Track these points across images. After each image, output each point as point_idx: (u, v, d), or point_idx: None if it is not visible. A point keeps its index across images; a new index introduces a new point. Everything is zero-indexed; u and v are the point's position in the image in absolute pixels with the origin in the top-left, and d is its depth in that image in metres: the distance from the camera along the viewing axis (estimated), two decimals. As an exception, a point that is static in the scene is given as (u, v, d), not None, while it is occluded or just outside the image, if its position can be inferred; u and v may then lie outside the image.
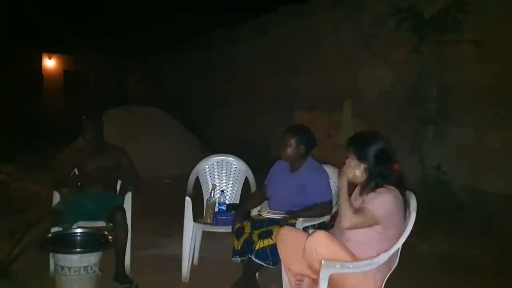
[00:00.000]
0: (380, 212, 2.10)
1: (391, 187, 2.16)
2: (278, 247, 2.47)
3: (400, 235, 2.16)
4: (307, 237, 2.17)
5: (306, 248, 2.11)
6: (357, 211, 2.14)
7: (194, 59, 11.91)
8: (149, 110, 8.11)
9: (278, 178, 3.08)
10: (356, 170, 2.24)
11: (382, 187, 2.16)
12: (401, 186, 2.20)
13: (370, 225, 2.11)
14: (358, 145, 2.25)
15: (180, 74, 12.85)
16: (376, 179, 2.19)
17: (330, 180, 3.01)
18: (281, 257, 2.47)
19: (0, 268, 2.91)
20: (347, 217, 2.11)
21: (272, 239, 2.65)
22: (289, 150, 2.95)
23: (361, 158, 2.22)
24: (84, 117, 3.42)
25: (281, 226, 2.75)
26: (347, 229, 2.13)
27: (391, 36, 5.48)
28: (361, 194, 2.29)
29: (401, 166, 2.22)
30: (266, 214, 2.88)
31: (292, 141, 2.93)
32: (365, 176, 2.24)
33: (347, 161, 2.28)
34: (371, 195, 2.16)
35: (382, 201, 2.11)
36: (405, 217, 2.19)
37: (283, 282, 2.65)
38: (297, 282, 2.38)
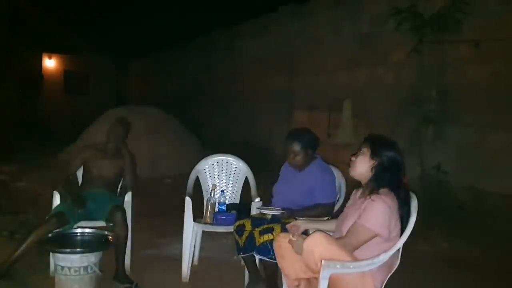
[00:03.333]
0: (377, 225, 2.10)
1: (387, 192, 2.15)
2: (275, 254, 2.47)
3: (399, 235, 2.16)
4: (305, 239, 2.17)
5: (304, 250, 2.11)
6: (350, 230, 2.14)
7: (194, 59, 11.92)
8: (149, 110, 8.10)
9: (285, 177, 3.09)
10: (363, 165, 2.24)
11: (379, 192, 2.15)
12: (404, 199, 2.19)
13: (369, 240, 2.12)
14: (377, 143, 2.26)
15: (180, 74, 12.86)
16: (380, 180, 2.18)
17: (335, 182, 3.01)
18: (278, 263, 2.45)
19: (2, 269, 2.91)
20: (346, 251, 2.09)
21: (273, 234, 2.66)
22: (298, 158, 2.92)
23: (375, 155, 2.22)
24: (116, 121, 3.44)
25: (282, 224, 2.76)
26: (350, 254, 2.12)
27: (391, 36, 5.48)
28: (363, 193, 2.28)
29: (408, 182, 2.22)
30: (264, 210, 2.88)
31: (298, 148, 2.90)
32: (370, 174, 2.23)
33: (356, 156, 2.28)
34: (365, 204, 2.15)
35: (375, 214, 2.11)
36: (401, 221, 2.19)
37: (283, 283, 2.65)
38: None
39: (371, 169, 2.22)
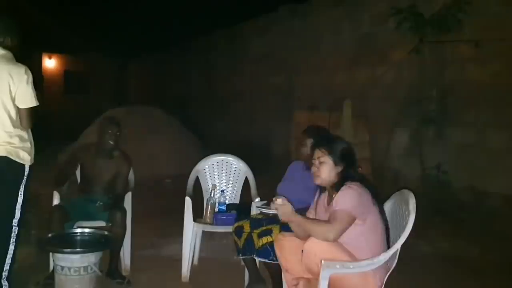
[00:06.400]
0: (351, 206, 2.11)
1: (353, 183, 2.19)
2: (276, 251, 2.46)
3: (379, 222, 2.19)
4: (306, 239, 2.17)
5: (305, 250, 2.11)
6: (330, 219, 2.14)
7: (194, 58, 11.91)
8: (149, 110, 8.10)
9: (291, 176, 3.10)
10: (331, 174, 2.26)
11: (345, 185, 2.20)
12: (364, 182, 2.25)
13: (350, 224, 2.11)
14: (334, 148, 2.28)
15: (180, 74, 12.85)
16: (346, 180, 2.21)
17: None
18: (279, 260, 2.45)
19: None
20: (325, 232, 2.08)
21: (271, 236, 2.66)
22: (305, 150, 2.95)
23: (338, 161, 2.26)
24: (108, 120, 3.39)
25: (280, 225, 2.76)
26: (334, 240, 2.09)
27: (391, 36, 5.49)
28: (330, 196, 2.29)
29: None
30: (265, 210, 2.87)
31: (309, 143, 2.90)
32: (334, 178, 2.26)
33: (318, 166, 2.28)
34: (336, 197, 2.18)
35: (347, 197, 2.13)
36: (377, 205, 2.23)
37: (283, 281, 2.65)
38: (293, 287, 2.38)
39: (338, 174, 2.26)
